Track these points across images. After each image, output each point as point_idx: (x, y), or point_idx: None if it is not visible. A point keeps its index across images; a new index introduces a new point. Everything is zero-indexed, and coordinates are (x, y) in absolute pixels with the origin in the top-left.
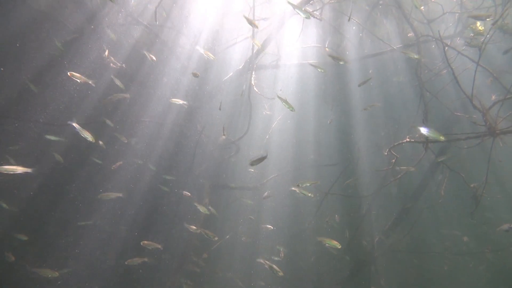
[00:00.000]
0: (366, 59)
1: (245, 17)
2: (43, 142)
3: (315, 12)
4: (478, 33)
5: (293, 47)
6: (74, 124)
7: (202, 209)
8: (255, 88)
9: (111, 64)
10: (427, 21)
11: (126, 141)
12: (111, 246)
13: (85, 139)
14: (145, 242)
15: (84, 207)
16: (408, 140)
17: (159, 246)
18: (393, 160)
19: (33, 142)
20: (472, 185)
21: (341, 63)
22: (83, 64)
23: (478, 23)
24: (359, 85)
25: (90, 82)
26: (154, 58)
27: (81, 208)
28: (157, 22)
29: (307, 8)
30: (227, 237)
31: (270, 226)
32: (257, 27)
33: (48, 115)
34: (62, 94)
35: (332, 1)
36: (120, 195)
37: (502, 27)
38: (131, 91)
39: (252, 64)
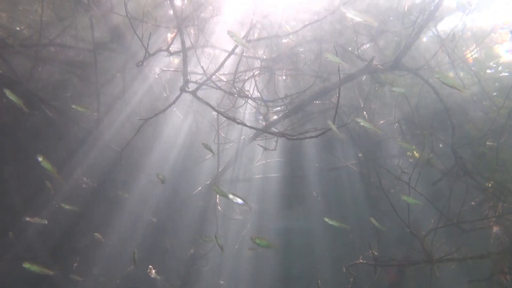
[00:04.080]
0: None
1: None
2: None
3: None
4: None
5: (258, 162)
6: None
7: None
8: (219, 207)
9: (83, 185)
10: (376, 142)
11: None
12: None
13: None
14: None
15: None
16: (361, 261)
17: None
18: (351, 279)
19: None
20: None
21: None
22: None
23: (415, 151)
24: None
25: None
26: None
27: None
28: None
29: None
30: None
31: None
32: None
33: None
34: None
35: (286, 132)
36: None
37: (429, 161)
38: (101, 209)
39: (218, 180)
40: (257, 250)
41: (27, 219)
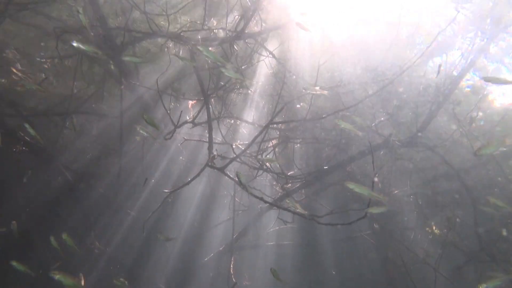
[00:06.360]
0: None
1: None
2: None
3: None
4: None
5: (271, 228)
6: None
7: None
8: (233, 278)
9: (95, 250)
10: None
11: None
12: None
13: None
14: None
15: None
16: None
17: None
18: None
19: None
20: None
21: None
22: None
23: (434, 227)
24: None
25: None
26: None
27: None
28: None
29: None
30: None
31: None
32: None
33: None
34: None
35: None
36: None
37: (453, 239)
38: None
39: (232, 248)
40: None
41: None
